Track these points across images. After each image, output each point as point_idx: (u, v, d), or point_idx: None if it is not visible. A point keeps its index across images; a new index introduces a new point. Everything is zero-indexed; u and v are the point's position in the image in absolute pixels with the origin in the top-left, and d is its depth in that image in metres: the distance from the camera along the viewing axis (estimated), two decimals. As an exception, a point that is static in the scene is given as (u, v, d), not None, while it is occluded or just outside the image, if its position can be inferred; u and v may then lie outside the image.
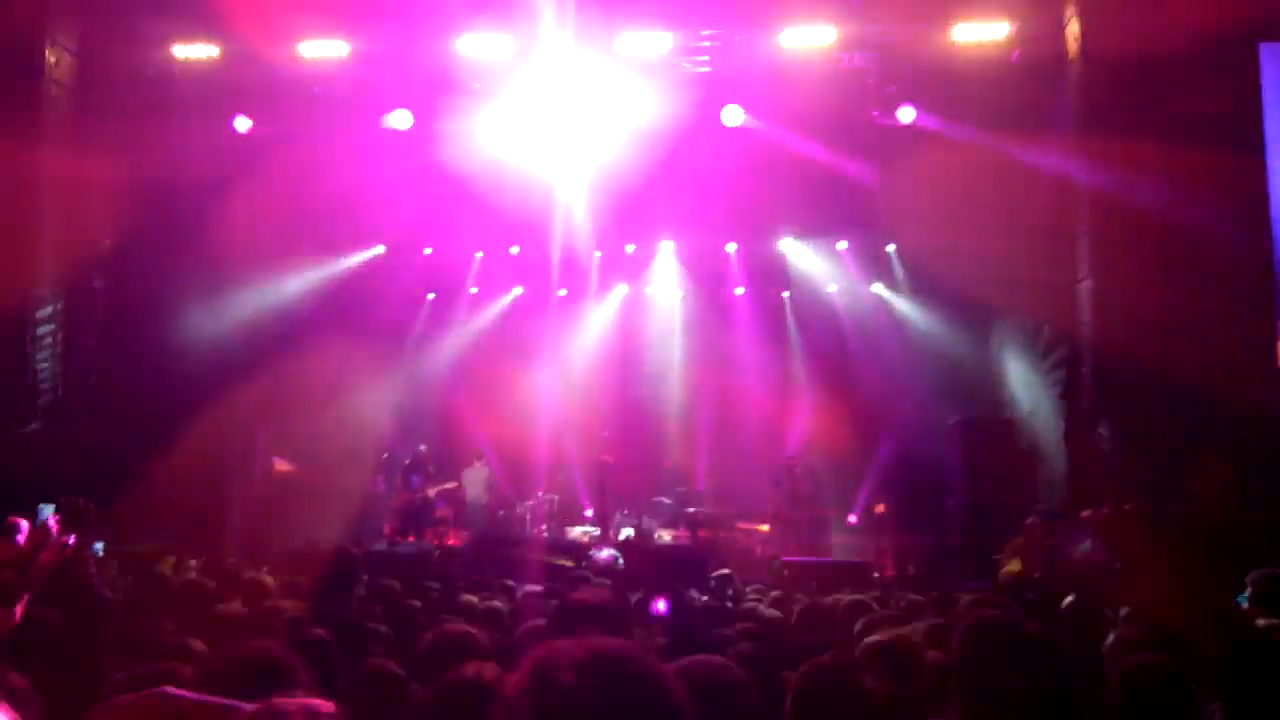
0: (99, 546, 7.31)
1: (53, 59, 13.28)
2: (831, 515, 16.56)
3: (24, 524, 2.53)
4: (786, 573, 11.97)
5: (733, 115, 14.78)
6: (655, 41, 14.22)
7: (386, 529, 16.45)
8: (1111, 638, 4.47)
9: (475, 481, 16.92)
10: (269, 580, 6.13)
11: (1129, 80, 11.76)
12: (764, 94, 14.79)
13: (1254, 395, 11.41)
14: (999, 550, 11.70)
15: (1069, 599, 5.18)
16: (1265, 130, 11.96)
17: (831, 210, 16.72)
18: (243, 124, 14.98)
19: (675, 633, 3.82)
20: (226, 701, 2.31)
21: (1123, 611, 4.80)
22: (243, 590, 5.80)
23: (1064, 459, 13.34)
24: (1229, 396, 11.27)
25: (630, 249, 19.36)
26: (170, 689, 2.37)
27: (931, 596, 7.48)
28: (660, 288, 19.88)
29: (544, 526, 16.93)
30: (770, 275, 19.08)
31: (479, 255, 19.31)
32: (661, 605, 3.85)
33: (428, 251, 18.83)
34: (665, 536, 16.48)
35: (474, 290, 19.63)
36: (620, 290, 19.84)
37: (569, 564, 12.04)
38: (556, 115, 15.07)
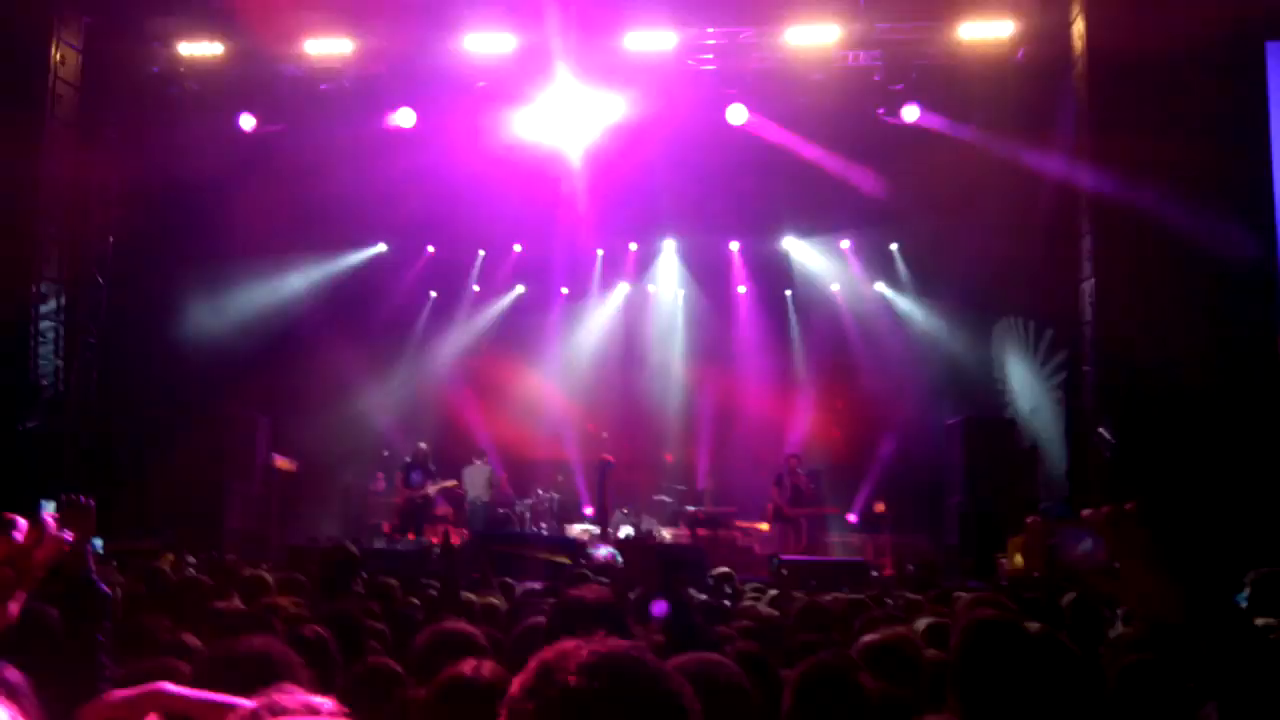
0: (98, 543, 7.31)
1: (58, 56, 13.29)
2: (832, 514, 16.57)
3: (21, 521, 2.52)
4: (785, 571, 11.96)
5: (737, 114, 14.77)
6: (660, 39, 14.21)
7: (386, 527, 16.45)
8: (1111, 636, 4.46)
9: (476, 480, 16.92)
10: (268, 577, 6.14)
11: (1134, 79, 11.75)
12: (768, 92, 14.78)
13: (1255, 393, 11.41)
14: (1000, 549, 11.70)
15: (1069, 597, 5.17)
16: (1270, 128, 11.95)
17: (835, 209, 16.71)
18: (247, 122, 14.99)
19: (673, 631, 3.82)
20: (224, 697, 2.31)
21: (1121, 610, 4.79)
22: (241, 587, 5.80)
23: (1064, 459, 13.33)
24: (1230, 395, 11.27)
25: (633, 247, 19.37)
26: (167, 685, 2.37)
27: (930, 595, 7.48)
28: (662, 286, 19.87)
29: (543, 525, 16.93)
30: (773, 273, 19.07)
31: (481, 253, 19.31)
32: (661, 608, 3.84)
33: (430, 250, 18.83)
34: (665, 535, 16.49)
35: (476, 288, 19.64)
36: (622, 288, 19.84)
37: (567, 562, 12.05)
38: (560, 113, 15.07)
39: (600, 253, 19.32)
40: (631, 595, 4.27)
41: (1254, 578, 5.21)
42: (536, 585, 8.73)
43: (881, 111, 14.64)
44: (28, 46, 13.07)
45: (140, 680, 2.76)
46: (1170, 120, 11.46)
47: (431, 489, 16.08)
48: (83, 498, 3.26)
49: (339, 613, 3.70)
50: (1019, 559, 10.61)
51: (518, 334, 19.42)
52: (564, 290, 19.76)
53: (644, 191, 16.42)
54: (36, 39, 13.14)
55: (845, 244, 18.36)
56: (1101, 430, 11.90)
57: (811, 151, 15.36)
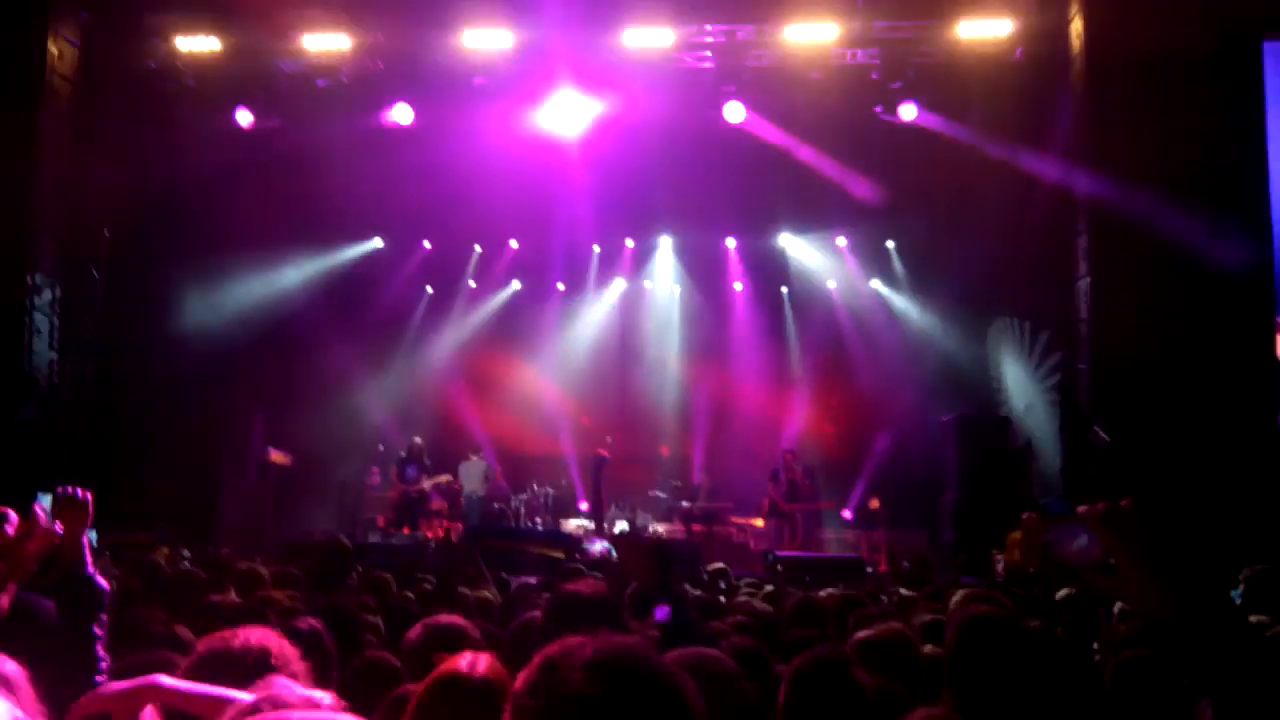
0: (92, 535, 7.30)
1: (55, 51, 13.27)
2: (828, 509, 16.59)
3: (12, 514, 2.52)
4: (780, 567, 11.98)
5: (734, 112, 14.77)
6: (658, 36, 14.20)
7: (381, 521, 16.46)
8: (1105, 633, 4.47)
9: (472, 475, 16.92)
10: (263, 571, 6.14)
11: (1131, 78, 11.76)
12: (766, 90, 14.78)
13: (1250, 392, 11.43)
14: (994, 546, 11.70)
15: (1063, 593, 5.18)
16: (1267, 127, 11.96)
17: (831, 206, 16.71)
18: (244, 118, 14.97)
19: (669, 626, 3.82)
20: (219, 691, 2.31)
21: (1116, 607, 4.80)
22: (236, 581, 5.80)
23: (1058, 457, 13.36)
24: (1225, 393, 11.29)
25: (629, 243, 19.36)
26: (161, 678, 2.37)
27: (924, 592, 7.49)
28: (659, 282, 19.87)
29: (538, 520, 16.95)
30: (769, 270, 19.08)
31: (478, 249, 19.30)
32: (664, 612, 3.84)
33: (427, 245, 18.82)
34: (660, 530, 16.51)
35: (472, 284, 19.63)
36: (619, 285, 19.84)
37: (562, 556, 12.05)
38: (557, 109, 15.06)
39: (596, 249, 19.31)
40: (627, 590, 4.26)
41: (1248, 575, 5.23)
42: (531, 580, 8.74)
43: (879, 110, 14.65)
44: (25, 41, 13.04)
45: (135, 673, 2.76)
46: (1167, 119, 11.48)
47: (426, 484, 16.09)
48: (80, 491, 3.25)
49: (335, 606, 3.69)
50: (1016, 554, 10.64)
51: (514, 330, 19.42)
52: (560, 286, 19.76)
53: (640, 188, 16.42)
54: (34, 34, 13.11)
55: (841, 241, 18.37)
56: (1096, 428, 11.92)
57: (809, 151, 15.39)
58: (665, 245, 19.44)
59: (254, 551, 11.37)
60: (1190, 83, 11.56)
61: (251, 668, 2.46)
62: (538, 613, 3.43)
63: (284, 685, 2.33)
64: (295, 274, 16.77)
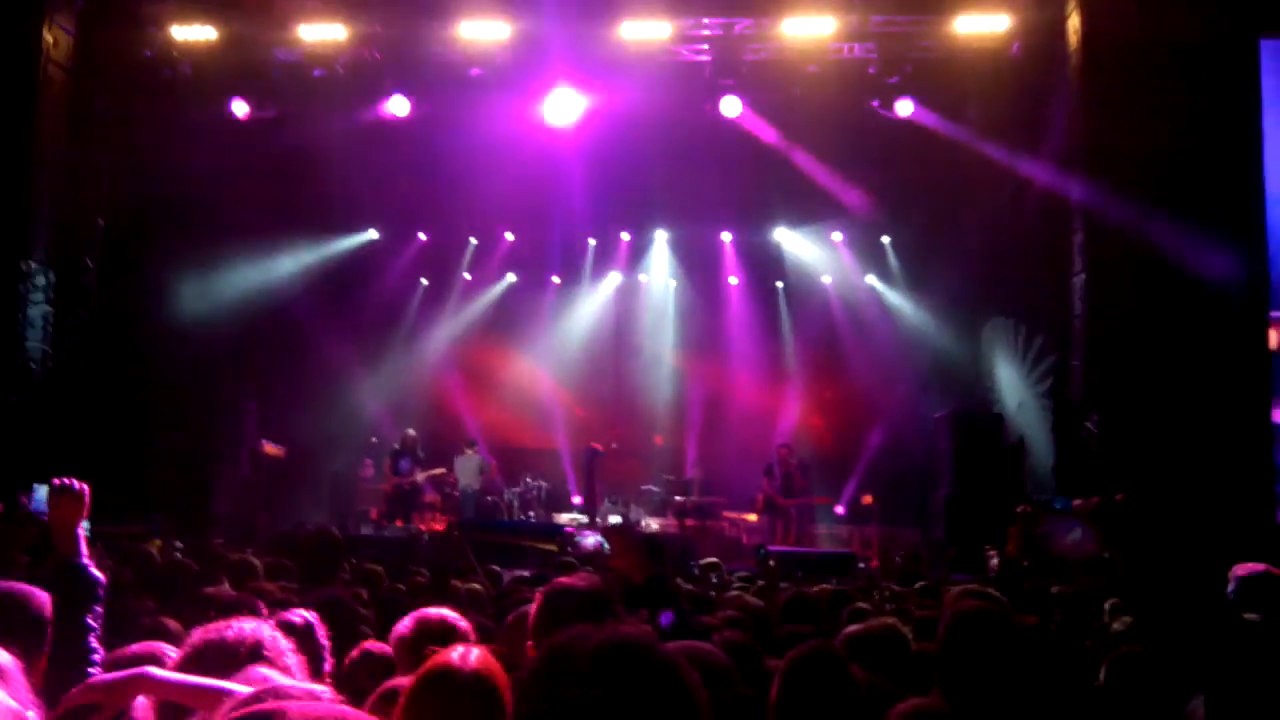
0: (85, 525, 7.28)
1: (50, 39, 13.20)
2: (823, 503, 16.61)
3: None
4: (772, 562, 11.97)
5: (731, 106, 14.76)
6: (655, 29, 14.18)
7: (374, 513, 16.46)
8: (1097, 628, 4.48)
9: (467, 469, 16.93)
10: (256, 562, 6.13)
11: (1128, 73, 11.75)
12: (763, 83, 14.78)
13: (1246, 386, 11.45)
14: (987, 542, 11.71)
15: (1056, 588, 5.19)
16: (1262, 124, 11.97)
17: (827, 201, 16.73)
18: (240, 108, 14.94)
19: (671, 631, 3.82)
20: (210, 682, 2.31)
21: (1108, 603, 4.82)
22: (229, 571, 5.79)
23: (1050, 455, 13.38)
24: (1219, 391, 11.31)
25: (625, 237, 19.36)
26: (152, 670, 2.37)
27: (917, 588, 7.51)
28: (654, 276, 19.87)
29: (531, 513, 16.96)
30: (764, 265, 19.08)
31: (473, 241, 19.27)
32: (668, 618, 3.85)
33: (422, 237, 18.80)
34: (653, 524, 16.52)
35: (467, 276, 19.61)
36: (614, 278, 19.83)
37: (555, 549, 12.06)
38: (553, 102, 15.05)
39: (592, 242, 19.31)
40: (621, 585, 4.27)
41: (1239, 573, 5.23)
42: (524, 573, 8.75)
43: (876, 104, 14.65)
44: (19, 28, 12.98)
45: (126, 664, 2.76)
46: (1164, 115, 11.48)
47: (420, 476, 16.10)
48: (75, 482, 3.25)
49: (330, 599, 3.69)
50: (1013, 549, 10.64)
51: (508, 322, 19.42)
52: (555, 279, 19.75)
53: (636, 181, 16.43)
54: (28, 21, 13.06)
55: (837, 236, 18.38)
56: (1089, 425, 11.93)
57: (806, 146, 15.41)
58: (660, 239, 19.43)
59: (246, 543, 11.36)
60: (1187, 79, 11.56)
61: (244, 659, 2.46)
62: (532, 606, 3.43)
63: (263, 676, 2.33)
64: (290, 264, 16.73)
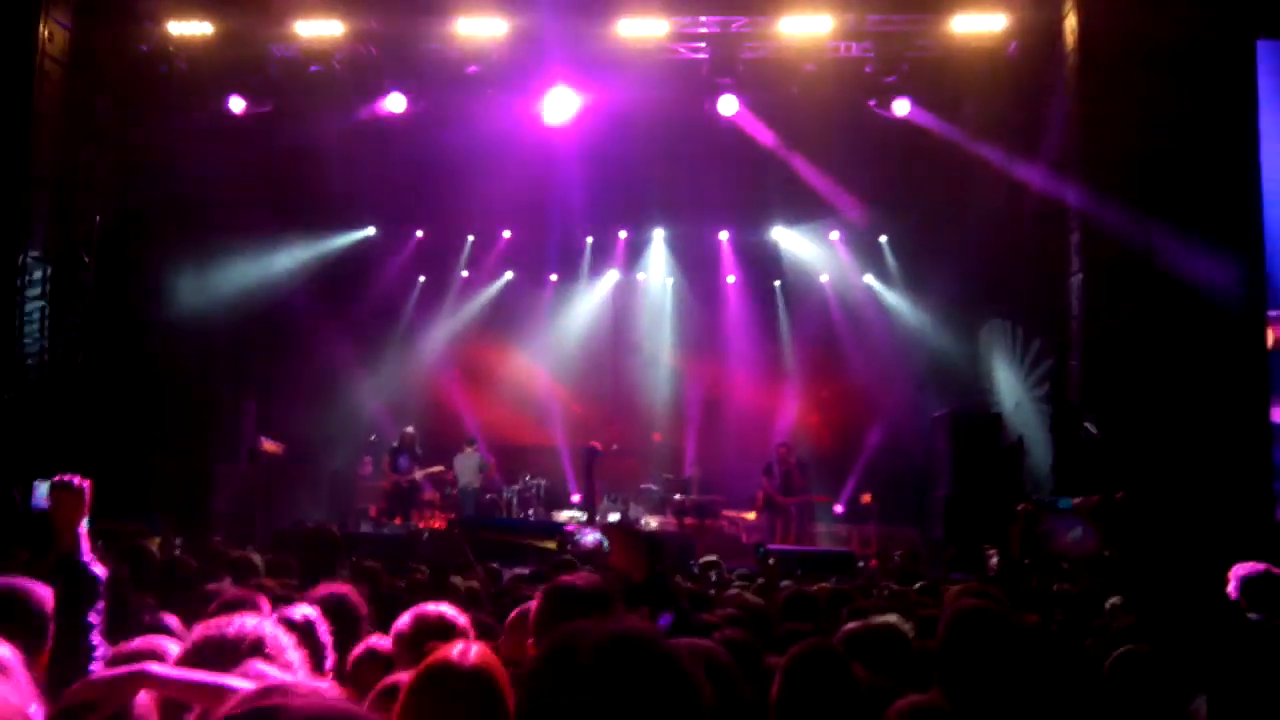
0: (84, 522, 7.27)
1: (46, 33, 13.18)
2: (822, 501, 16.61)
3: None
4: (772, 561, 11.97)
5: (728, 104, 14.76)
6: (652, 27, 14.17)
7: (373, 511, 16.45)
8: (1099, 627, 4.49)
9: (467, 467, 16.93)
10: (256, 559, 6.13)
11: (1125, 74, 11.76)
12: (760, 82, 14.77)
13: (1243, 385, 11.46)
14: (985, 541, 11.72)
15: (1058, 587, 5.20)
16: (1258, 125, 11.99)
17: (825, 200, 16.73)
18: (236, 104, 14.92)
19: (669, 633, 3.82)
20: (211, 677, 2.31)
21: (1109, 602, 4.82)
22: (229, 568, 5.79)
23: (1047, 456, 13.40)
24: (1218, 391, 11.32)
25: (623, 235, 19.35)
26: (152, 666, 2.37)
27: (915, 587, 7.51)
28: (652, 274, 19.86)
29: (530, 511, 16.95)
30: (762, 263, 19.08)
31: (470, 238, 19.26)
32: (666, 620, 3.85)
33: (419, 234, 18.78)
34: (652, 523, 16.52)
35: (465, 274, 19.59)
36: (611, 276, 19.82)
37: (554, 547, 12.06)
38: (550, 99, 15.04)
39: (590, 240, 19.30)
40: (622, 584, 4.27)
41: (1239, 573, 5.23)
42: (524, 571, 8.74)
43: (873, 104, 14.66)
44: (16, 23, 12.96)
45: (127, 660, 2.76)
46: (1160, 115, 11.50)
47: (419, 474, 16.09)
48: (77, 479, 3.25)
49: (333, 596, 3.69)
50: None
51: (506, 320, 19.41)
52: (553, 277, 19.75)
53: (634, 179, 16.43)
54: (25, 15, 13.03)
55: (835, 235, 18.38)
56: (1087, 425, 11.95)
57: (804, 148, 15.43)
58: (658, 237, 19.43)
59: (245, 540, 11.36)
60: (1183, 79, 11.57)
61: (246, 655, 2.46)
62: (533, 603, 3.43)
63: (260, 670, 2.34)
64: (287, 261, 16.72)
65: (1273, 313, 11.97)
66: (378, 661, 3.38)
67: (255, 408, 15.80)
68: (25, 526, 9.20)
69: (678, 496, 16.86)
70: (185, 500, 13.62)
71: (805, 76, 14.48)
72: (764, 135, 15.42)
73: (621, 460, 17.36)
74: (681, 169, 15.98)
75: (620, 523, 15.04)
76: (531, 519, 16.54)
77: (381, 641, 3.53)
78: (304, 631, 2.99)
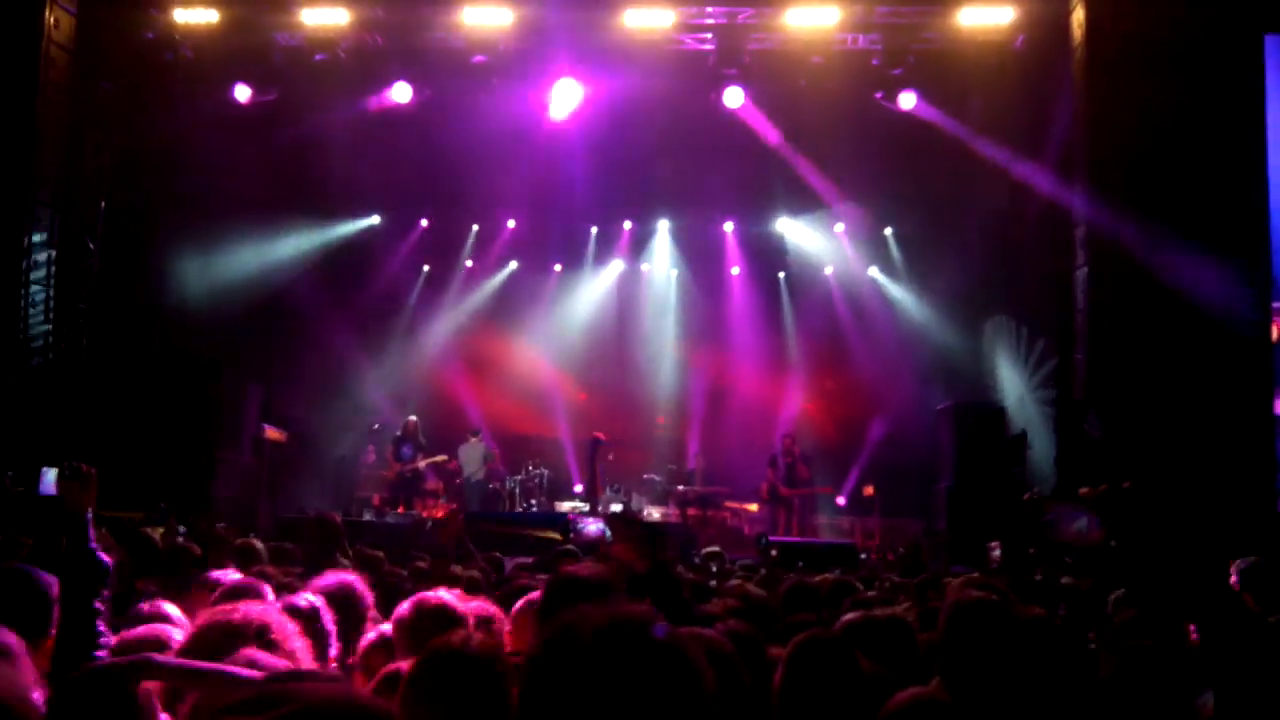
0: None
1: (52, 19, 13.18)
2: (826, 492, 16.61)
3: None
4: (774, 552, 12.00)
5: (733, 96, 14.73)
6: (658, 17, 14.15)
7: (376, 500, 16.47)
8: (1103, 619, 4.48)
9: (472, 457, 16.95)
10: (259, 546, 6.14)
11: (1132, 67, 11.74)
12: (766, 73, 14.74)
13: (1248, 378, 11.46)
14: (988, 535, 11.73)
15: (1065, 580, 5.19)
16: (1266, 119, 11.97)
17: (829, 192, 16.71)
18: (242, 93, 14.90)
19: (663, 608, 3.82)
20: (214, 666, 2.32)
21: (1113, 595, 4.81)
22: (233, 555, 5.80)
23: (1048, 455, 13.40)
24: (1223, 380, 11.32)
25: (627, 225, 19.32)
26: (154, 656, 2.37)
27: (918, 580, 7.51)
28: (656, 265, 19.85)
29: (533, 501, 16.96)
30: (767, 255, 19.05)
31: (475, 228, 19.24)
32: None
33: (424, 223, 18.77)
34: (654, 514, 16.54)
35: (469, 263, 19.58)
36: (616, 266, 19.81)
37: (558, 538, 12.07)
38: (556, 89, 15.02)
39: (594, 230, 19.28)
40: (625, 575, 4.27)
41: (1240, 566, 5.23)
42: (527, 560, 8.75)
43: (880, 96, 14.63)
44: (21, 9, 12.96)
45: (130, 649, 2.77)
46: (1167, 109, 11.47)
47: (422, 463, 16.11)
48: (84, 466, 3.25)
49: (339, 585, 3.69)
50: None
51: (510, 309, 19.39)
52: (557, 267, 19.73)
53: (639, 170, 16.42)
54: (30, 2, 13.03)
55: (839, 227, 18.35)
56: (1091, 417, 11.94)
57: (809, 141, 15.41)
58: (663, 228, 19.40)
59: (248, 528, 11.38)
60: (1190, 74, 11.55)
61: (250, 643, 2.47)
62: (536, 593, 3.44)
63: (253, 656, 2.34)
64: (291, 249, 16.71)
65: (1277, 305, 11.97)
66: (389, 649, 3.39)
67: (259, 395, 15.79)
68: (30, 513, 9.23)
69: (681, 488, 16.87)
70: (188, 487, 13.63)
71: (812, 68, 14.44)
72: (769, 127, 15.39)
73: (625, 451, 17.37)
74: (687, 160, 15.97)
75: (623, 512, 15.07)
76: (534, 509, 16.56)
77: (388, 631, 3.54)
78: (308, 619, 3.00)
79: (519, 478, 17.13)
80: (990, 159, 14.30)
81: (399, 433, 16.23)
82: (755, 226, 18.78)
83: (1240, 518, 9.78)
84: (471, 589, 5.70)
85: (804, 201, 17.64)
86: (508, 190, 16.77)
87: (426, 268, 19.31)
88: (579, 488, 17.69)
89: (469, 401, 18.40)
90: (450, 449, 16.83)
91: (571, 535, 12.05)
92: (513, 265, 19.69)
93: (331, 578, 3.74)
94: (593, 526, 12.79)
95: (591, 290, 19.72)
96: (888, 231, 17.82)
